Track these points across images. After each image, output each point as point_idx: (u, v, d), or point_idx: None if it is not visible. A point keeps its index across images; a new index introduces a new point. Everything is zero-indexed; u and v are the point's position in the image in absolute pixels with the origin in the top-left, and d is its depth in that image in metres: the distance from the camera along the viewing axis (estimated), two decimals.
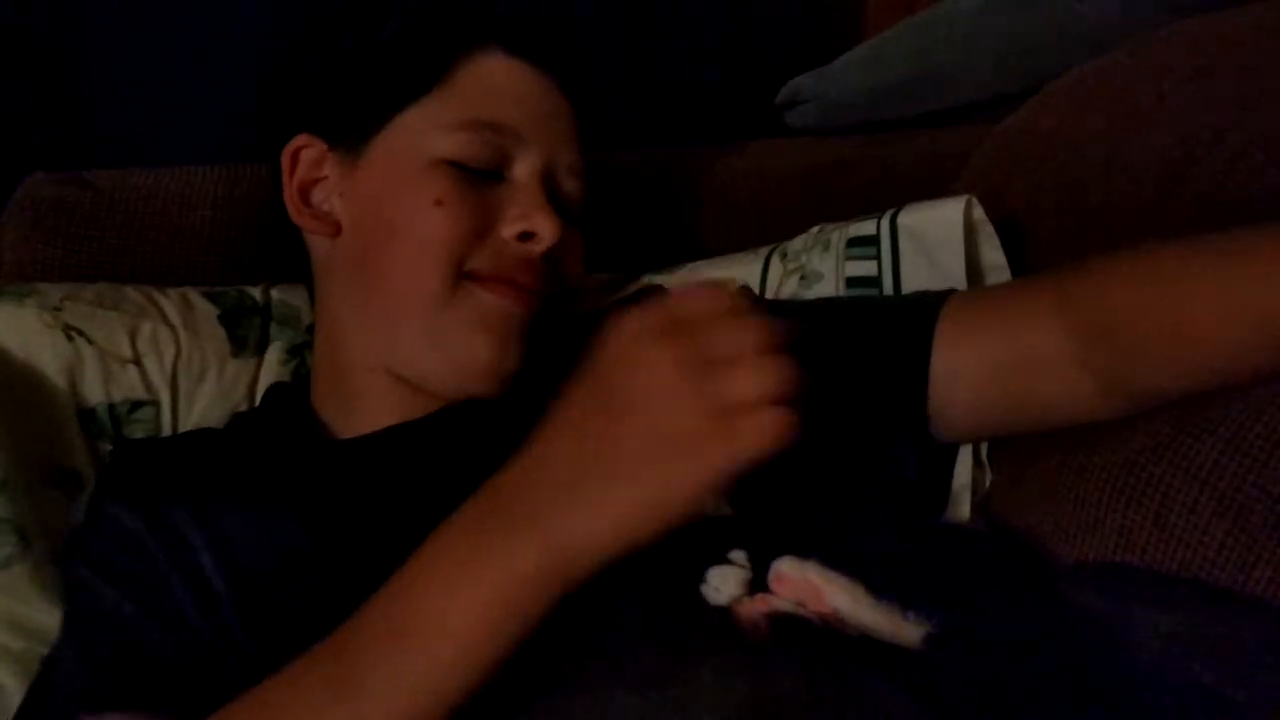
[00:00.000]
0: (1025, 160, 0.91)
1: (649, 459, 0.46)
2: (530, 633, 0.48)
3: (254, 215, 0.97)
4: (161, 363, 0.84)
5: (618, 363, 0.48)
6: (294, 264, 0.84)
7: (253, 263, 0.97)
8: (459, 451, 0.72)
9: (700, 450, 0.45)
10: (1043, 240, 0.84)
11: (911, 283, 0.81)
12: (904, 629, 0.56)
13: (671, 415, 0.45)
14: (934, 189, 0.90)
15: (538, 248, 0.74)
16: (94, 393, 0.81)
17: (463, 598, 0.49)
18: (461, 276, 0.73)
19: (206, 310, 0.89)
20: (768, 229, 0.98)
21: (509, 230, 0.74)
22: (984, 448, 0.79)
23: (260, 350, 0.90)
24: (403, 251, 0.74)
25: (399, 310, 0.75)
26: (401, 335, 0.75)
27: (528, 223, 0.74)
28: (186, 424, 0.84)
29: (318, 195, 0.79)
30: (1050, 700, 0.52)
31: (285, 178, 0.79)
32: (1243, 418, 0.62)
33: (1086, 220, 0.82)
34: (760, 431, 0.45)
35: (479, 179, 0.74)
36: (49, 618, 0.72)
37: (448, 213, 0.73)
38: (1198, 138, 0.76)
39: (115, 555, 0.68)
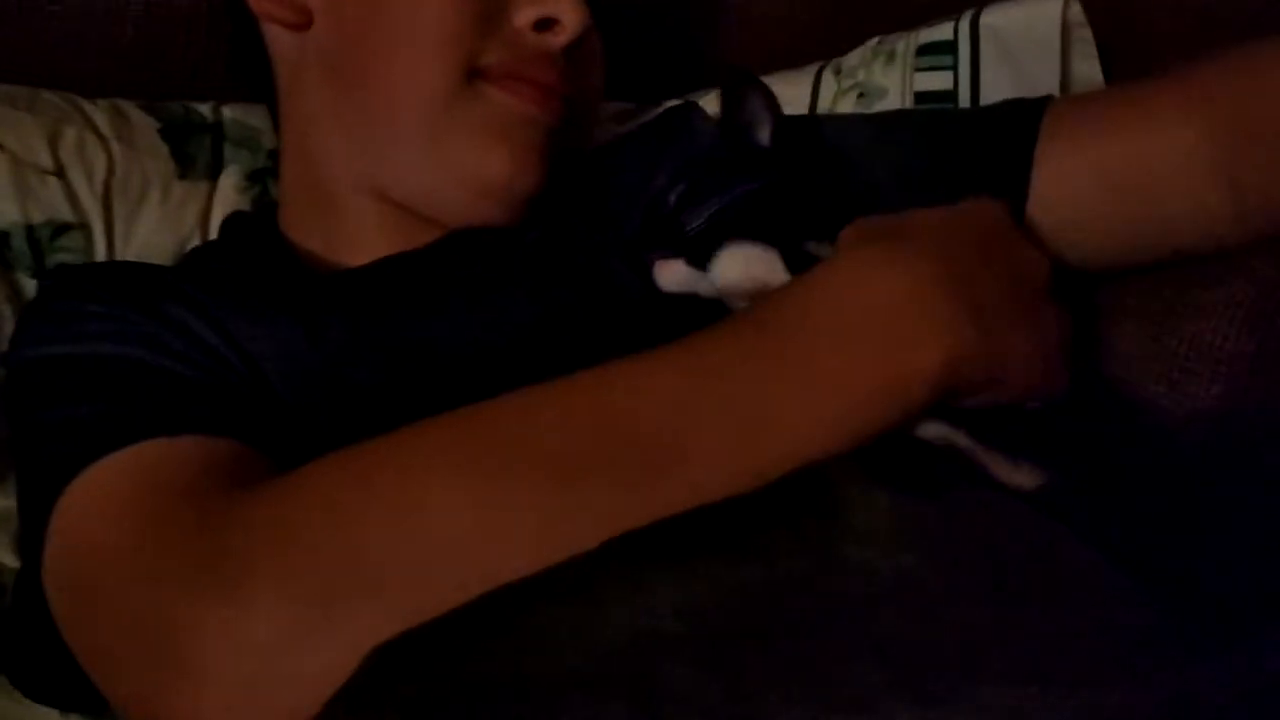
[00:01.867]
0: None
1: (1033, 345, 0.48)
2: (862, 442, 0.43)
3: (190, 31, 0.81)
4: (91, 178, 0.70)
5: (1012, 235, 0.52)
6: (248, 74, 0.71)
7: (191, 82, 0.81)
8: (468, 286, 0.61)
9: (1047, 367, 0.49)
10: (1138, 56, 0.73)
11: (993, 97, 0.69)
12: (1017, 475, 0.49)
13: (1042, 319, 0.49)
14: None
15: (559, 39, 0.62)
16: (7, 211, 0.67)
17: (871, 369, 0.43)
18: (471, 74, 0.61)
19: (144, 123, 0.74)
20: (793, 54, 0.85)
21: (524, 17, 0.61)
22: None
23: (213, 174, 0.76)
24: (395, 43, 0.61)
25: (392, 116, 0.62)
26: (396, 147, 0.63)
27: (547, 7, 0.61)
28: (125, 254, 0.71)
29: None
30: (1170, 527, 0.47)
31: None
32: None
33: (1192, 27, 0.71)
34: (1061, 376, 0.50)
35: None
36: None
37: None
38: None
39: (95, 322, 0.55)
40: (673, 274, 0.53)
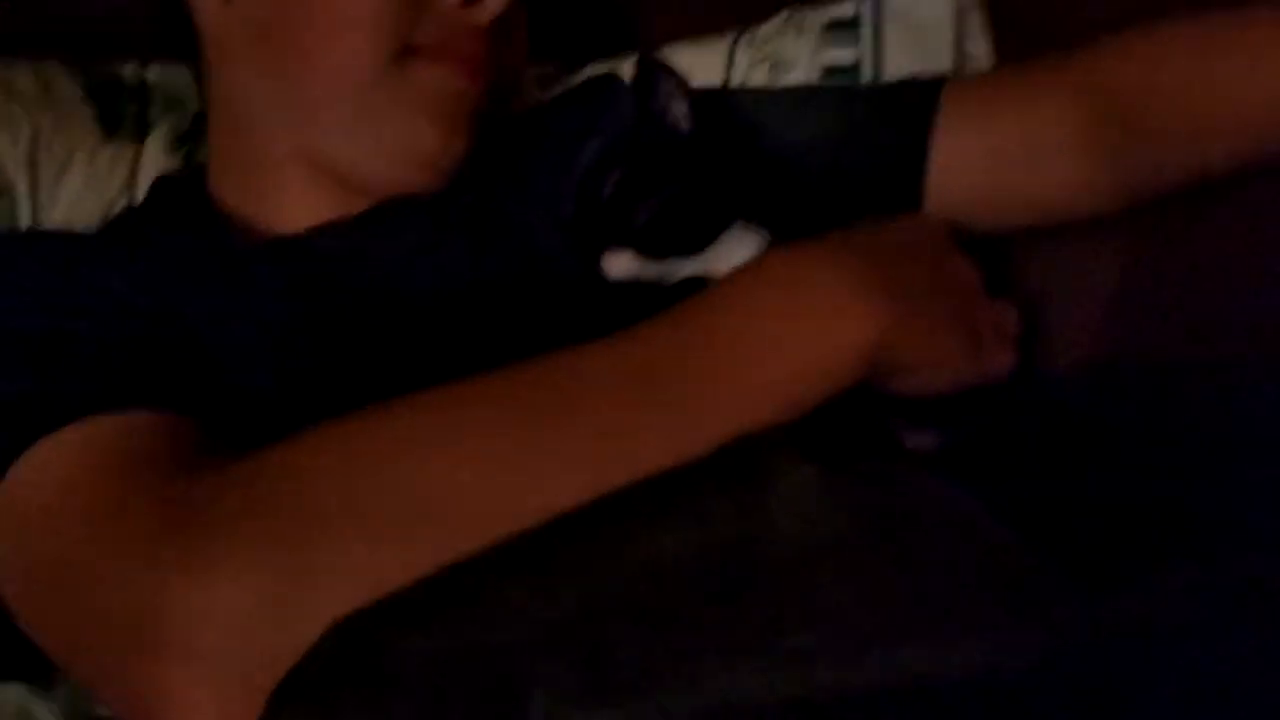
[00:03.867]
0: None
1: (964, 337, 0.52)
2: (798, 412, 0.46)
3: None
4: (15, 142, 0.69)
5: (945, 247, 0.55)
6: (171, 35, 0.69)
7: (112, 40, 0.80)
8: (404, 255, 0.63)
9: (988, 355, 0.53)
10: (1018, 34, 0.78)
11: (894, 72, 0.74)
12: (919, 438, 0.54)
13: (980, 316, 0.53)
14: None
15: (484, 14, 0.62)
16: None
17: (805, 342, 0.47)
18: (402, 53, 0.61)
19: (67, 85, 0.74)
20: (713, 17, 0.86)
21: None
22: None
23: (139, 136, 0.75)
24: (327, 22, 0.61)
25: (323, 91, 0.62)
26: (327, 119, 0.63)
27: None
28: (51, 219, 0.71)
29: None
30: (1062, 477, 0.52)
31: None
32: (1265, 198, 0.60)
33: (1069, 10, 0.76)
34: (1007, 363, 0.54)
35: None
36: None
37: None
38: None
39: (17, 295, 0.54)
40: (622, 264, 0.56)
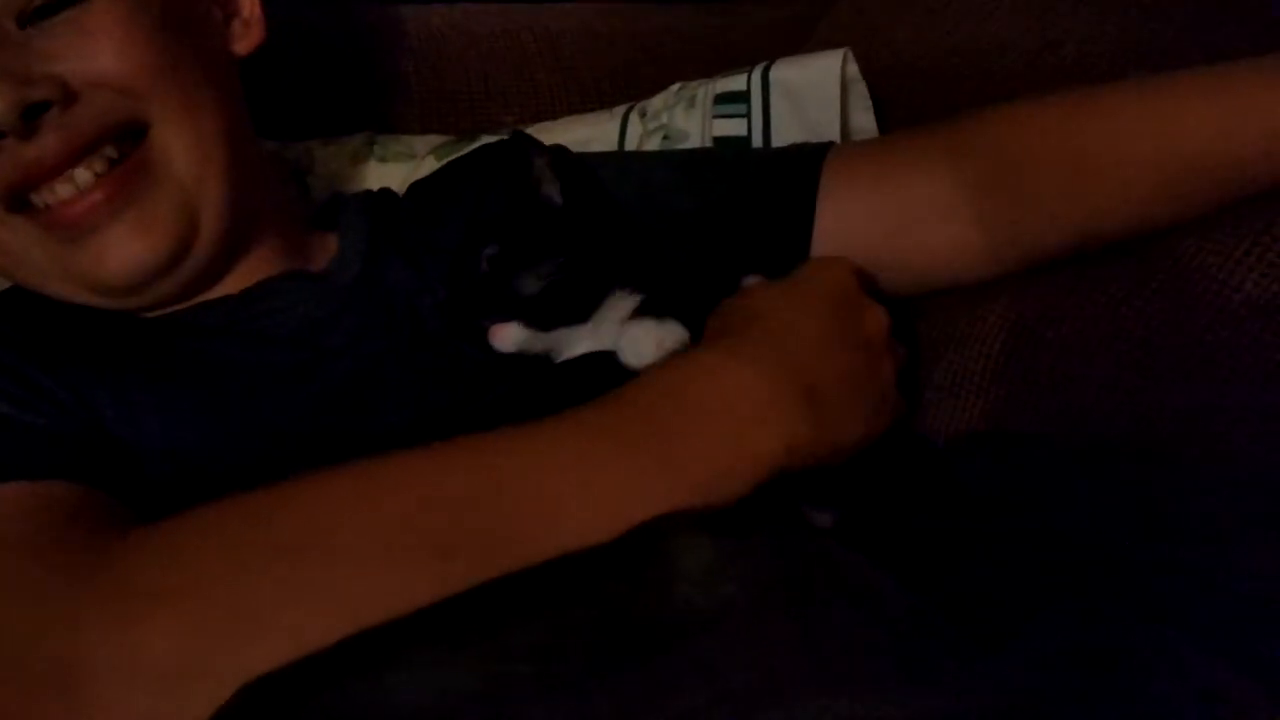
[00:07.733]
0: (883, 23, 0.87)
1: (870, 399, 0.52)
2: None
3: None
4: None
5: (850, 295, 0.56)
6: None
7: None
8: (286, 328, 0.62)
9: (885, 412, 0.53)
10: (906, 106, 0.81)
11: (782, 142, 0.76)
12: (817, 515, 0.53)
13: (884, 371, 0.54)
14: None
15: (10, 131, 0.54)
16: None
17: (723, 446, 0.47)
18: (12, 206, 0.57)
19: None
20: (603, 91, 0.92)
21: None
22: None
23: None
24: None
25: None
26: (44, 282, 0.61)
27: None
28: None
29: None
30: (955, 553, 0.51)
31: None
32: (1135, 273, 0.62)
33: (955, 82, 0.79)
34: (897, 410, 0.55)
35: None
36: None
37: None
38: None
39: None
40: (510, 336, 0.56)
